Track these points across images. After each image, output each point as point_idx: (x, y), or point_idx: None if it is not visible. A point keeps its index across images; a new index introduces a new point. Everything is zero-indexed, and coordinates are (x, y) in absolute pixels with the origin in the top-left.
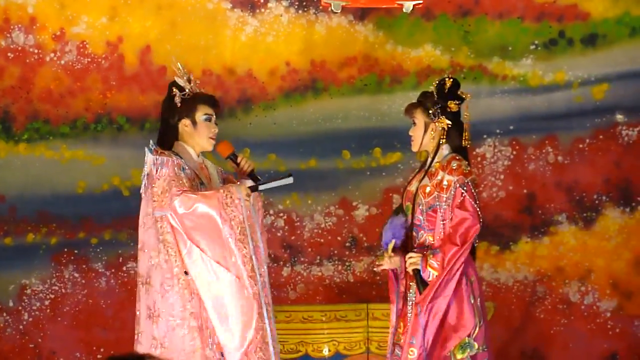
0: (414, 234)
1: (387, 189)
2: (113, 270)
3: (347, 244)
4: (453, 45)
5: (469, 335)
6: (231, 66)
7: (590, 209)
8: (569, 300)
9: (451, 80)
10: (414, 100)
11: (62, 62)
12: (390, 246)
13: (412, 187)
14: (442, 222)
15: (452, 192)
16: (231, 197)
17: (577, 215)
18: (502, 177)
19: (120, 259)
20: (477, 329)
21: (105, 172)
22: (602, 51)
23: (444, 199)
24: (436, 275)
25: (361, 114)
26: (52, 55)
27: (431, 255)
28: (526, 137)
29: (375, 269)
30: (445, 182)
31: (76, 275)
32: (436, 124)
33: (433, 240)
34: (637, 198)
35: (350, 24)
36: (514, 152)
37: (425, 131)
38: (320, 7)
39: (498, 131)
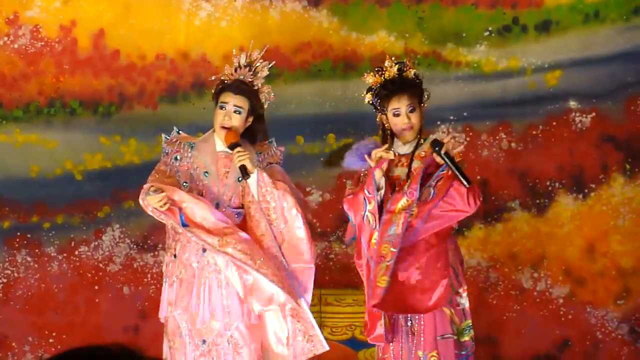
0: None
1: (341, 175)
2: (65, 255)
3: None
4: (407, 32)
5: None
6: (185, 50)
7: (543, 196)
8: (522, 286)
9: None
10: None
11: (15, 46)
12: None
13: (397, 172)
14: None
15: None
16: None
17: (530, 202)
18: None
19: (73, 243)
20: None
21: (58, 156)
22: (555, 38)
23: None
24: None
25: (315, 99)
26: (5, 39)
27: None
28: (480, 123)
29: (375, 176)
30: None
31: (29, 259)
32: (422, 108)
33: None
34: (590, 185)
35: (304, 10)
36: (468, 139)
37: (422, 115)
38: None
39: (452, 117)
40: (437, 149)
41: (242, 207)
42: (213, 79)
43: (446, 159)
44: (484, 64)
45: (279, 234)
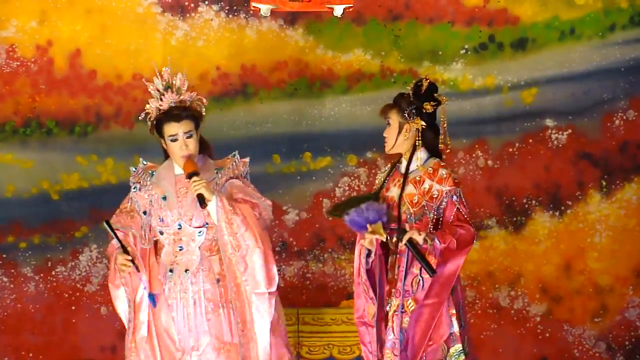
0: (398, 240)
1: (318, 194)
2: (42, 275)
3: (278, 249)
4: (383, 50)
5: (462, 342)
6: (161, 70)
7: (519, 213)
8: (499, 304)
9: (428, 81)
10: (345, 105)
11: None
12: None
13: (392, 193)
14: (431, 229)
15: (444, 203)
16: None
17: (506, 220)
18: None
19: (49, 263)
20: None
21: (34, 176)
22: (531, 55)
23: (434, 208)
24: (442, 249)
25: (291, 118)
26: None
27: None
28: (456, 141)
29: (364, 244)
30: (435, 192)
31: (4, 279)
32: (411, 124)
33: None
34: (567, 202)
35: (280, 29)
36: (444, 156)
37: (400, 132)
38: (251, 12)
39: None
40: (400, 237)
41: (205, 226)
42: (142, 116)
43: (410, 247)
44: (460, 81)
45: (241, 260)
